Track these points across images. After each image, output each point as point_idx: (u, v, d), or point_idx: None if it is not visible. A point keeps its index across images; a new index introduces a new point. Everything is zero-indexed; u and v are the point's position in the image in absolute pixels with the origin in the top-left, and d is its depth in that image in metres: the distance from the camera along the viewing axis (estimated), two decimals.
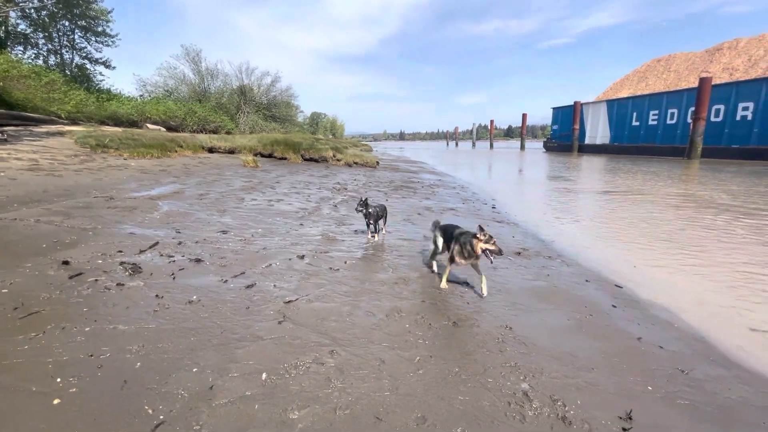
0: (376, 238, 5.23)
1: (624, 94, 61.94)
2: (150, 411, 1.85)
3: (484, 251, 3.25)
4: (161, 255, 3.98)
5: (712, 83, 25.69)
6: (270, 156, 16.02)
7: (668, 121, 31.80)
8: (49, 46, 23.71)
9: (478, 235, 3.28)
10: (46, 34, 23.15)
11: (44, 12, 22.38)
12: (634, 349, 2.85)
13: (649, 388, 2.37)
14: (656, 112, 33.01)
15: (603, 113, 39.07)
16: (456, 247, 3.47)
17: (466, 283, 3.85)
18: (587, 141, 40.99)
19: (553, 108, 46.75)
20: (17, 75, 15.52)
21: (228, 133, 24.42)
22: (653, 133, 33.24)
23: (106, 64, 26.31)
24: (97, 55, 25.79)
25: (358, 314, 3.05)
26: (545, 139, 51.75)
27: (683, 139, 28.71)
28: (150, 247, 4.16)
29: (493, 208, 8.91)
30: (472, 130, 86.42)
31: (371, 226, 5.16)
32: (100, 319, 2.64)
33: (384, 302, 3.30)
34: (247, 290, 3.32)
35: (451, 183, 13.59)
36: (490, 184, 15.12)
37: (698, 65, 58.67)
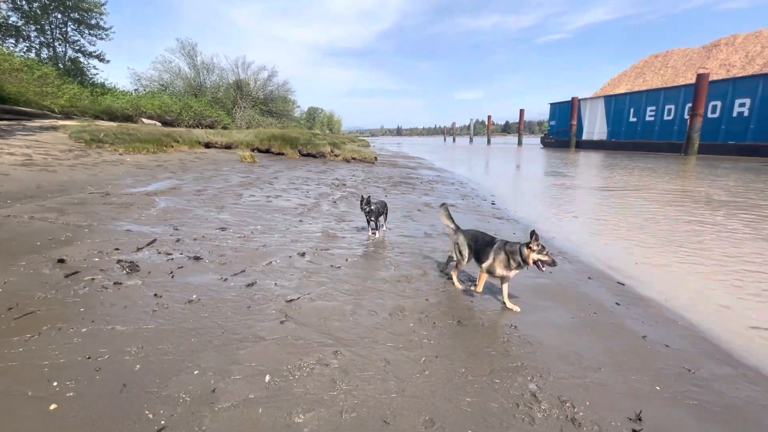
0: (377, 235, 5.18)
1: (621, 89, 62.03)
2: (150, 416, 1.80)
3: (535, 262, 3.01)
4: (159, 252, 3.91)
5: (710, 79, 25.71)
6: (267, 151, 15.88)
7: (665, 117, 31.84)
8: (42, 38, 23.31)
9: (531, 245, 3.01)
10: (38, 26, 22.75)
11: (36, 3, 21.99)
12: (640, 348, 2.82)
13: (657, 388, 2.35)
14: (653, 108, 33.02)
15: (600, 109, 39.05)
16: (500, 257, 3.16)
17: (469, 280, 3.81)
18: (585, 137, 41.01)
19: (551, 104, 46.68)
20: (9, 68, 15.27)
21: (224, 128, 24.20)
22: (650, 129, 33.28)
23: (100, 58, 25.93)
24: (90, 49, 25.42)
25: (361, 313, 3.00)
26: (543, 135, 51.72)
27: (680, 135, 28.77)
28: (147, 245, 4.09)
29: (493, 204, 8.88)
30: (469, 126, 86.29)
31: (372, 223, 5.10)
32: (97, 320, 2.58)
33: (387, 301, 3.26)
34: (248, 289, 3.26)
35: (449, 179, 13.54)
36: (488, 180, 15.08)
37: (695, 61, 58.77)
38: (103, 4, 24.68)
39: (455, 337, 2.76)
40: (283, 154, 15.79)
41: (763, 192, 10.76)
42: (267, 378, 2.12)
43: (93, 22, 24.67)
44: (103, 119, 18.19)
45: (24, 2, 21.67)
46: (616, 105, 37.33)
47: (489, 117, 69.58)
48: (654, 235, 6.31)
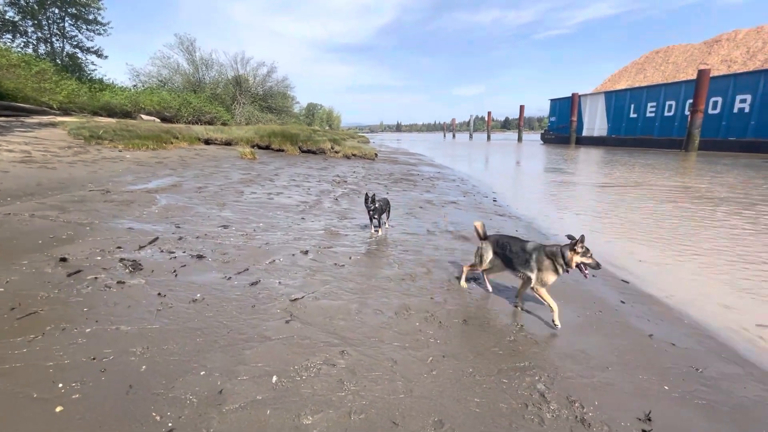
0: (380, 233, 5.16)
1: (622, 85, 61.82)
2: (158, 418, 1.78)
3: (578, 265, 2.83)
4: (162, 251, 3.88)
5: (711, 75, 25.61)
6: (267, 148, 15.81)
7: (666, 113, 31.74)
8: (39, 34, 23.09)
9: (576, 248, 2.80)
10: (35, 21, 22.53)
11: None
12: (647, 347, 2.81)
13: (666, 387, 2.33)
14: (654, 104, 32.92)
15: (601, 105, 38.94)
16: (546, 263, 2.92)
17: (473, 279, 3.79)
18: (585, 133, 40.91)
19: (551, 99, 46.53)
20: (6, 64, 15.13)
21: (224, 124, 24.10)
22: (651, 125, 33.20)
23: (98, 53, 25.70)
24: (88, 44, 25.18)
25: (366, 312, 2.98)
26: (543, 131, 51.60)
27: (681, 131, 28.70)
28: (150, 243, 4.06)
29: (494, 201, 8.85)
30: (469, 122, 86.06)
31: (375, 221, 5.08)
32: (101, 320, 2.56)
33: (392, 299, 3.24)
34: (252, 288, 3.24)
35: (450, 175, 13.51)
36: (489, 176, 15.04)
37: (697, 57, 58.55)
38: None
39: (462, 336, 2.75)
40: (283, 150, 15.72)
41: (763, 188, 10.75)
42: (274, 379, 2.11)
43: (90, 17, 24.43)
44: (101, 115, 18.09)
45: None
46: (616, 101, 37.21)
47: (489, 113, 69.42)
48: (656, 233, 6.29)
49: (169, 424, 1.75)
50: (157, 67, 28.95)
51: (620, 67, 74.63)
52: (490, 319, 3.02)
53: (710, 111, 27.13)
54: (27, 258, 3.39)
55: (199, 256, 3.82)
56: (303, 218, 5.75)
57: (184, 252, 3.91)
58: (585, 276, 2.88)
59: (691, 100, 26.85)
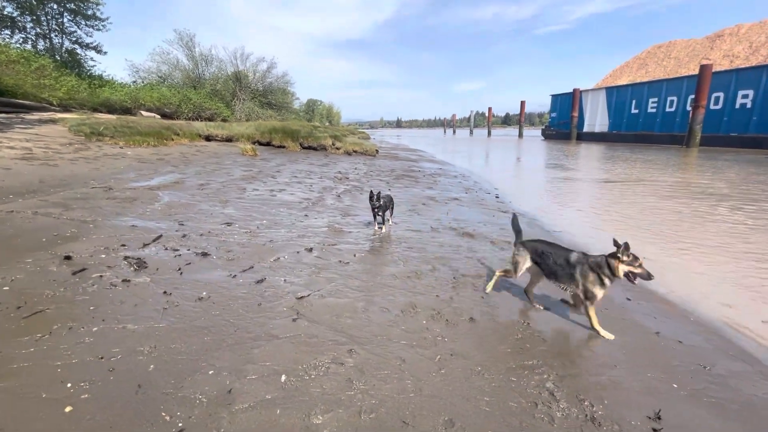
0: (383, 230, 5.14)
1: (624, 81, 61.57)
2: (168, 418, 1.77)
3: (626, 275, 2.63)
4: (166, 249, 3.87)
5: (713, 70, 25.46)
6: (268, 144, 15.78)
7: (667, 109, 31.61)
8: (38, 29, 22.96)
9: (620, 256, 2.61)
10: (34, 17, 22.40)
11: None
12: (654, 345, 2.80)
13: (674, 385, 2.33)
14: (655, 99, 32.77)
15: (602, 101, 38.77)
16: (590, 277, 2.72)
17: (479, 276, 3.78)
18: (586, 129, 40.77)
19: (552, 95, 46.34)
20: (6, 60, 15.08)
21: (224, 120, 24.03)
22: (652, 120, 33.07)
23: (97, 49, 25.56)
24: (87, 40, 25.05)
25: (372, 310, 2.97)
26: (543, 127, 51.44)
27: (682, 127, 28.58)
28: (154, 241, 4.05)
29: (497, 197, 8.83)
30: (469, 118, 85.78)
31: (379, 218, 5.06)
32: (108, 318, 2.55)
33: (398, 297, 3.23)
34: (258, 285, 3.23)
35: (451, 172, 13.47)
36: (490, 172, 15.01)
37: (699, 52, 58.24)
38: None
39: (469, 334, 2.74)
40: (284, 146, 15.69)
41: (766, 184, 10.72)
42: (283, 378, 2.10)
43: (89, 12, 24.30)
44: (101, 112, 18.03)
45: None
46: (617, 96, 37.05)
47: (489, 109, 69.18)
48: (659, 229, 6.27)
49: (180, 424, 1.74)
50: (157, 63, 28.87)
51: (622, 62, 74.25)
52: (496, 317, 3.02)
53: (712, 106, 27.01)
54: (31, 256, 3.38)
55: (204, 254, 3.81)
56: (306, 215, 5.73)
57: (188, 250, 3.89)
58: (634, 284, 2.68)
59: (692, 96, 26.71)
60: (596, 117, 39.61)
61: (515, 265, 3.20)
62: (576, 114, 40.84)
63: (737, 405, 2.20)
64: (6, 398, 1.82)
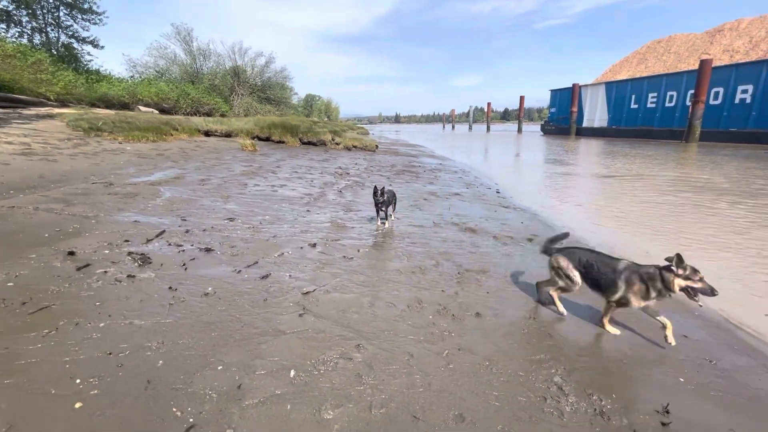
0: (386, 225, 5.14)
1: (623, 76, 61.40)
2: (178, 413, 1.77)
3: (684, 290, 2.43)
4: (169, 244, 3.85)
5: (713, 65, 25.40)
6: (267, 139, 15.70)
7: (667, 104, 31.56)
8: (34, 23, 22.70)
9: (674, 269, 2.43)
10: (30, 11, 22.15)
11: None
12: (660, 339, 2.81)
13: (681, 379, 2.34)
14: (655, 94, 32.71)
15: (601, 96, 38.69)
16: (636, 287, 2.57)
17: (483, 271, 3.78)
18: (585, 124, 40.71)
19: (552, 90, 46.21)
20: (2, 54, 14.91)
21: (222, 115, 23.88)
22: (651, 115, 33.04)
23: (94, 44, 25.31)
24: (84, 34, 24.80)
25: (378, 305, 2.97)
26: (543, 122, 51.34)
27: (681, 122, 28.56)
28: (157, 236, 4.03)
29: (498, 192, 8.82)
30: (468, 113, 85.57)
31: (382, 213, 5.05)
32: (114, 314, 2.54)
33: (403, 292, 3.23)
34: (263, 281, 3.22)
35: (452, 167, 13.45)
36: (491, 168, 14.98)
37: (699, 47, 58.09)
38: None
39: (475, 329, 2.74)
40: (283, 142, 15.62)
41: (762, 179, 10.73)
42: (292, 373, 2.10)
43: (85, 6, 24.03)
44: (99, 107, 17.89)
45: None
46: (617, 91, 36.96)
47: (489, 104, 69.03)
48: (659, 225, 6.28)
49: (191, 420, 1.74)
50: (154, 58, 28.61)
51: (621, 57, 74.02)
52: (502, 313, 3.02)
53: (711, 102, 26.98)
54: (34, 252, 3.36)
55: (208, 249, 3.80)
56: (308, 210, 5.71)
57: (192, 245, 3.88)
58: (695, 301, 2.46)
59: (692, 91, 26.68)
60: (596, 112, 39.54)
61: (569, 277, 2.89)
62: (575, 109, 40.75)
63: (744, 399, 2.21)
64: (15, 394, 1.81)
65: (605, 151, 21.93)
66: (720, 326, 3.15)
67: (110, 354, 2.14)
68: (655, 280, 2.52)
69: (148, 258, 3.44)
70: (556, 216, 6.83)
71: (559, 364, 2.38)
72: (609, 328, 2.84)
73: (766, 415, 2.09)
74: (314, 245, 4.19)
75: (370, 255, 4.08)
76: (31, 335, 2.26)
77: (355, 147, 16.50)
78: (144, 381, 1.96)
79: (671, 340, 2.61)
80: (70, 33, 24.24)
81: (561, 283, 2.96)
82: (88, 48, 25.08)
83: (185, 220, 4.72)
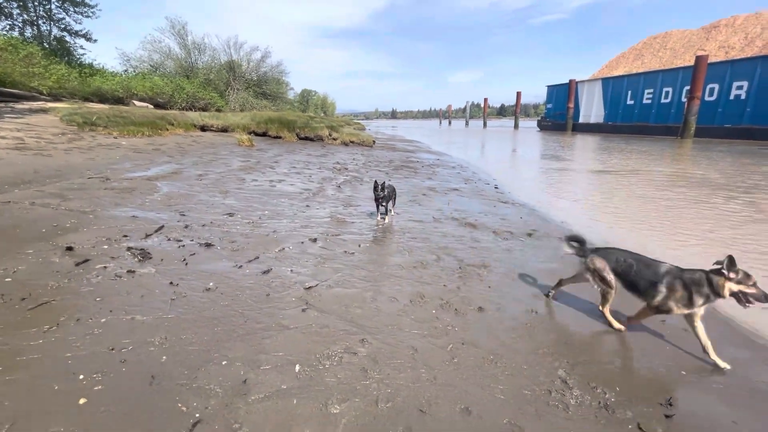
0: (386, 221, 5.12)
1: (620, 71, 61.53)
2: (184, 408, 1.76)
3: (735, 295, 2.28)
4: (169, 239, 3.82)
5: (708, 62, 25.50)
6: (264, 135, 15.60)
7: (663, 100, 31.66)
8: (25, 16, 22.33)
9: (726, 272, 2.29)
10: (21, 3, 21.78)
11: None
12: (661, 333, 2.83)
13: (683, 372, 2.36)
14: (651, 90, 32.78)
15: (598, 91, 38.73)
16: (678, 293, 2.40)
17: (484, 266, 3.78)
18: (581, 120, 40.76)
19: (548, 86, 46.21)
20: None
21: (218, 110, 23.68)
22: (647, 112, 33.13)
23: (87, 37, 24.95)
24: (76, 27, 24.44)
25: (381, 300, 2.96)
26: (539, 118, 51.38)
27: (677, 118, 28.68)
28: (156, 231, 3.99)
29: (496, 188, 8.82)
30: (464, 109, 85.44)
31: (382, 208, 5.04)
32: (115, 310, 2.52)
33: (405, 287, 3.22)
34: (264, 276, 3.20)
35: (449, 162, 13.44)
36: (488, 163, 14.99)
37: (694, 43, 58.27)
38: None
39: (478, 323, 2.74)
40: (280, 137, 15.53)
41: (758, 174, 10.82)
42: (297, 368, 2.09)
43: None
44: (93, 101, 17.68)
45: None
46: (613, 87, 37.00)
47: (485, 99, 68.86)
48: (656, 220, 6.31)
49: (197, 415, 1.73)
50: (149, 52, 28.28)
51: (618, 53, 74.13)
52: (504, 306, 3.02)
53: (707, 98, 27.09)
54: (32, 247, 3.32)
55: (208, 245, 3.77)
56: (308, 206, 5.69)
57: (191, 240, 3.85)
58: (746, 307, 2.28)
59: (688, 87, 26.76)
60: (592, 108, 39.59)
61: (605, 282, 2.73)
62: (572, 105, 40.79)
63: (745, 391, 2.23)
64: (18, 390, 1.79)
65: (601, 147, 22.01)
66: (718, 320, 3.18)
67: (113, 350, 2.12)
68: (701, 285, 2.36)
69: (148, 253, 3.41)
70: (554, 211, 6.84)
71: (562, 358, 2.39)
72: (612, 321, 2.85)
73: (766, 408, 2.11)
74: (315, 240, 4.17)
75: (371, 250, 4.07)
76: (32, 331, 2.23)
77: (352, 142, 16.44)
78: (148, 376, 1.94)
79: (721, 364, 2.41)
80: (63, 26, 23.89)
81: (597, 288, 2.79)
82: (81, 41, 24.75)
83: (184, 215, 4.68)
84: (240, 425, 1.69)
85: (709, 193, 8.40)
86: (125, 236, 3.78)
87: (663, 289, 2.47)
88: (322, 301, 2.86)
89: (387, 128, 53.21)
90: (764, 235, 5.39)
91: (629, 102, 35.08)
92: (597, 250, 2.87)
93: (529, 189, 9.26)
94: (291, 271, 3.35)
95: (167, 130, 12.74)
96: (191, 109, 21.49)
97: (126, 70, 26.56)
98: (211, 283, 2.98)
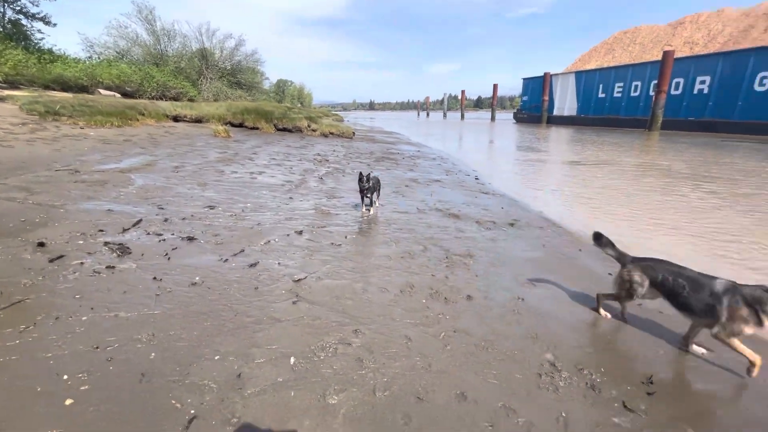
0: (371, 212, 5.11)
1: (592, 65, 63.21)
2: (178, 405, 1.72)
3: None
4: (148, 233, 3.69)
5: (674, 57, 26.54)
6: (240, 125, 15.18)
7: (632, 94, 32.80)
8: None
9: None
10: None
11: None
12: (639, 315, 2.96)
13: (661, 352, 2.48)
14: (621, 84, 33.89)
15: (571, 85, 39.69)
16: (741, 312, 2.15)
17: (470, 255, 3.85)
18: (556, 112, 41.74)
19: (524, 78, 46.97)
20: None
21: (191, 100, 22.82)
22: (618, 105, 34.26)
23: (45, 21, 23.40)
24: (33, 10, 22.87)
25: (371, 291, 2.97)
26: (515, 111, 52.26)
27: (645, 111, 29.79)
28: (134, 225, 3.84)
29: (477, 179, 8.95)
30: (442, 101, 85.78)
31: (367, 199, 5.02)
32: (96, 307, 2.41)
33: (394, 278, 3.24)
34: (252, 269, 3.14)
35: (429, 154, 13.51)
36: (467, 155, 15.15)
37: (662, 38, 60.46)
38: None
39: (468, 311, 2.79)
40: (257, 128, 15.16)
41: (718, 165, 11.43)
42: (292, 360, 2.07)
43: None
44: (54, 89, 16.67)
45: None
46: (586, 81, 38.01)
47: (463, 92, 69.28)
48: (628, 208, 6.57)
49: (192, 411, 1.69)
50: (114, 38, 26.80)
51: (590, 46, 76.09)
52: (491, 294, 3.09)
53: (673, 92, 28.25)
54: (0, 243, 3.13)
55: (190, 238, 3.66)
56: (291, 198, 5.60)
57: (172, 234, 3.73)
58: None
59: (655, 81, 27.81)
60: (566, 101, 40.58)
61: (630, 290, 2.63)
62: (547, 98, 41.65)
63: (717, 367, 2.37)
64: None
65: (575, 139, 22.63)
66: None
67: (97, 348, 2.04)
68: (764, 303, 2.11)
69: (127, 248, 3.28)
70: (533, 202, 7.01)
71: (550, 342, 2.47)
72: (602, 311, 2.92)
73: (739, 381, 2.25)
74: (301, 232, 4.12)
75: (358, 241, 4.06)
76: (7, 331, 2.11)
77: (331, 134, 16.25)
78: (138, 374, 1.88)
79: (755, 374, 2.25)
80: (18, 8, 22.29)
81: (617, 292, 2.76)
82: (39, 25, 23.16)
83: (162, 208, 4.52)
84: (238, 419, 1.67)
85: (676, 182, 8.80)
86: (101, 231, 3.62)
87: (725, 312, 2.21)
88: (313, 293, 2.84)
89: (365, 120, 52.87)
90: (730, 223, 5.71)
91: (601, 95, 36.14)
92: (637, 260, 2.68)
93: (508, 180, 9.43)
94: (278, 263, 3.31)
95: (138, 120, 12.19)
96: (162, 99, 20.61)
97: (90, 57, 25.17)
98: (197, 278, 2.91)
